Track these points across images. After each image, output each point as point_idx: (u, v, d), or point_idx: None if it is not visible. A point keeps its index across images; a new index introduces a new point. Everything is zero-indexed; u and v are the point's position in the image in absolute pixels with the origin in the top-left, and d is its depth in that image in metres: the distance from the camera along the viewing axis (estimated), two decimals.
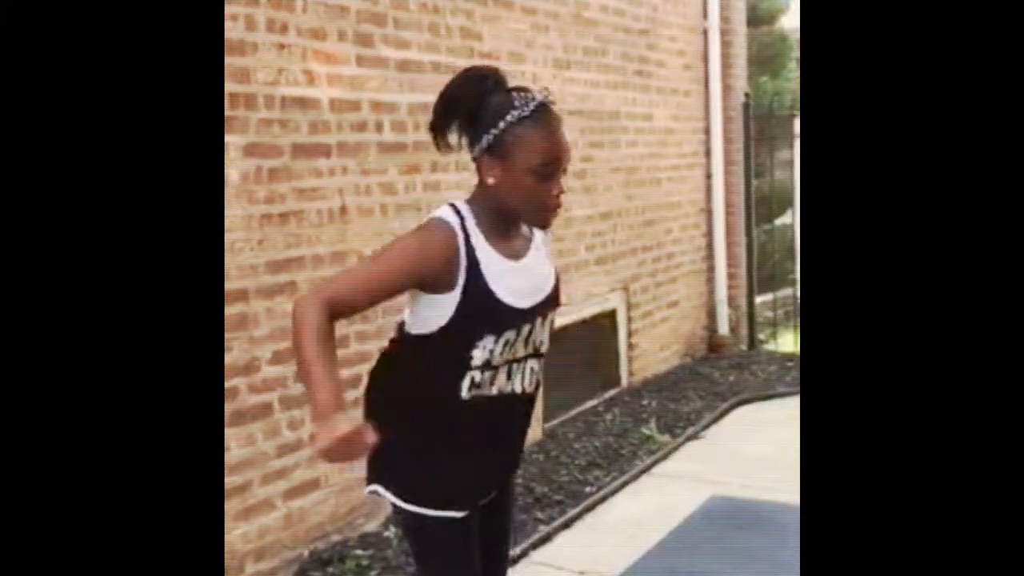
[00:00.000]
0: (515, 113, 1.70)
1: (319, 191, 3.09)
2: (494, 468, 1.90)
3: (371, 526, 3.29)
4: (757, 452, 3.94)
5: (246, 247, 2.85)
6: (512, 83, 1.80)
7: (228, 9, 2.76)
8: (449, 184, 3.63)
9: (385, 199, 3.36)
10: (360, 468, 3.34)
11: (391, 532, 3.25)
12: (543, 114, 1.73)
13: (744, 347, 6.01)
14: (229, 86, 2.77)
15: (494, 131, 1.72)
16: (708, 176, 5.82)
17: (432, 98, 1.77)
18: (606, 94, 4.74)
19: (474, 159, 1.79)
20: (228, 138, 2.78)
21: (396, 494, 1.84)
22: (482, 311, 1.73)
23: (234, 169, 2.81)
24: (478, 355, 1.74)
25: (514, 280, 1.77)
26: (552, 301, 1.85)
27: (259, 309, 2.89)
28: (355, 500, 3.27)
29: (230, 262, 2.79)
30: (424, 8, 3.51)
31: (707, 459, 4.01)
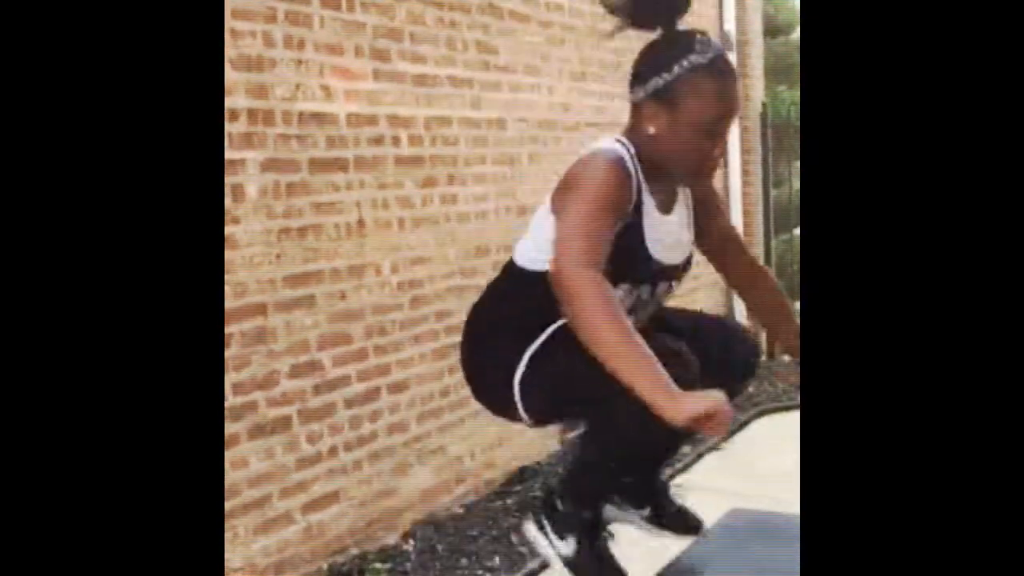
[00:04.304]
0: (693, 59, 1.52)
1: (336, 205, 3.11)
2: None
3: (390, 539, 3.29)
4: (778, 463, 3.92)
5: (264, 261, 2.86)
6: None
7: (246, 26, 2.79)
8: (467, 197, 3.64)
9: (402, 213, 3.37)
10: (379, 483, 3.35)
11: (410, 545, 3.25)
12: (721, 64, 1.54)
13: (764, 358, 5.98)
14: (247, 102, 2.80)
15: (666, 76, 1.54)
16: (725, 186, 5.80)
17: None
18: (623, 106, 4.73)
19: (634, 103, 1.62)
20: (246, 154, 2.80)
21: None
22: (629, 258, 1.57)
23: (252, 184, 2.83)
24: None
25: (664, 233, 1.62)
26: (685, 266, 1.72)
27: (277, 323, 2.91)
28: (374, 513, 3.27)
29: (248, 276, 2.81)
30: (440, 22, 3.52)
31: (727, 471, 3.99)
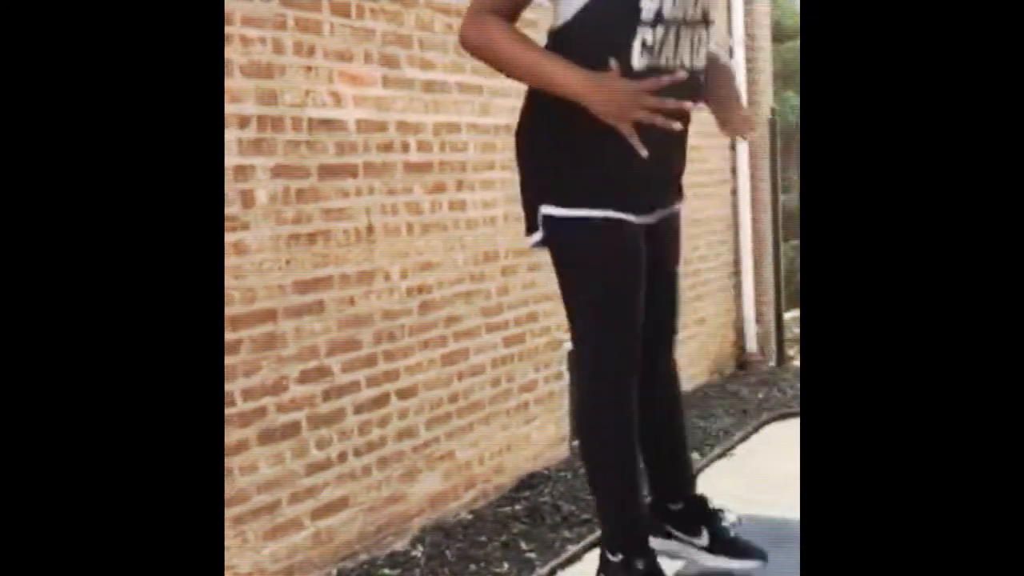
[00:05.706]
0: None
1: (346, 211, 3.11)
2: (657, 173, 1.92)
3: (399, 545, 3.29)
4: (788, 470, 3.90)
5: (274, 267, 2.87)
6: None
7: (256, 33, 2.80)
8: (476, 203, 3.64)
9: (411, 218, 3.37)
10: (388, 488, 3.36)
11: (419, 551, 3.25)
12: None
13: (773, 364, 5.97)
14: (257, 108, 2.81)
15: None
16: (734, 192, 5.79)
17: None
18: None
19: None
20: (256, 160, 2.81)
21: (557, 204, 1.88)
22: None
23: (262, 190, 2.84)
24: (647, 3, 1.74)
25: None
26: None
27: (287, 329, 2.91)
28: (383, 519, 3.27)
29: (258, 282, 2.82)
30: (449, 29, 3.53)
31: (737, 477, 3.98)
